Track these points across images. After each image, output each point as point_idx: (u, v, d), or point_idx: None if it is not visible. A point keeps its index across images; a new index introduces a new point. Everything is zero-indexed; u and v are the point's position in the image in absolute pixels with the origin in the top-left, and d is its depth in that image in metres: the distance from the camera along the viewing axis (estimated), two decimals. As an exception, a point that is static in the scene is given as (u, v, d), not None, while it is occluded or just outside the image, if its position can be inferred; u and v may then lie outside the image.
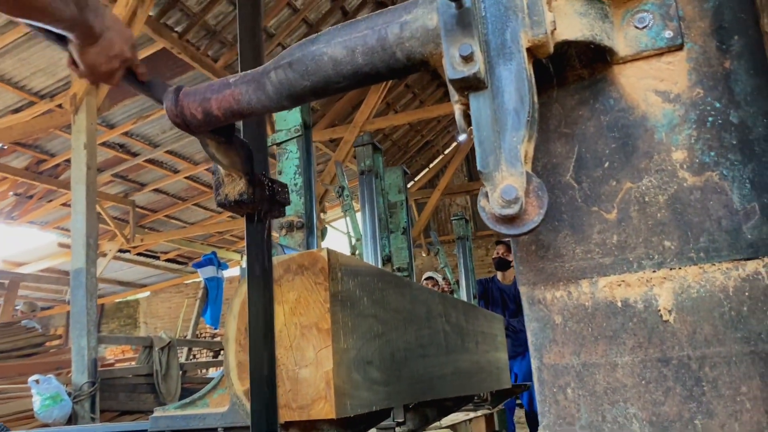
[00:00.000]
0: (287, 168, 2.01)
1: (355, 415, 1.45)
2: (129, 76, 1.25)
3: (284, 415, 1.40)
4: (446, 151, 15.92)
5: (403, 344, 1.83)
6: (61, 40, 1.14)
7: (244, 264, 1.42)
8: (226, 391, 1.69)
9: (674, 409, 0.87)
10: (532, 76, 0.84)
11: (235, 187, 1.27)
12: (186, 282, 17.36)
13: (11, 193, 11.25)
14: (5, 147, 9.57)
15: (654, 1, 0.95)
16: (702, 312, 0.87)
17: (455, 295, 5.72)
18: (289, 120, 2.04)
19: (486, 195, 0.81)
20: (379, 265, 3.47)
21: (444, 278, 7.13)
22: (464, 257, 5.60)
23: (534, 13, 0.85)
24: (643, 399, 0.89)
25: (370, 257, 3.41)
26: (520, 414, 7.33)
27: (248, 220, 1.38)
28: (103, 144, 9.96)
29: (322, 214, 11.94)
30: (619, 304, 0.92)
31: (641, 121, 0.95)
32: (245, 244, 1.39)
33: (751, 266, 0.86)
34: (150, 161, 11.28)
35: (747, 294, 0.86)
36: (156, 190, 12.54)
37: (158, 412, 1.88)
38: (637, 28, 0.96)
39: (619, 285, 0.92)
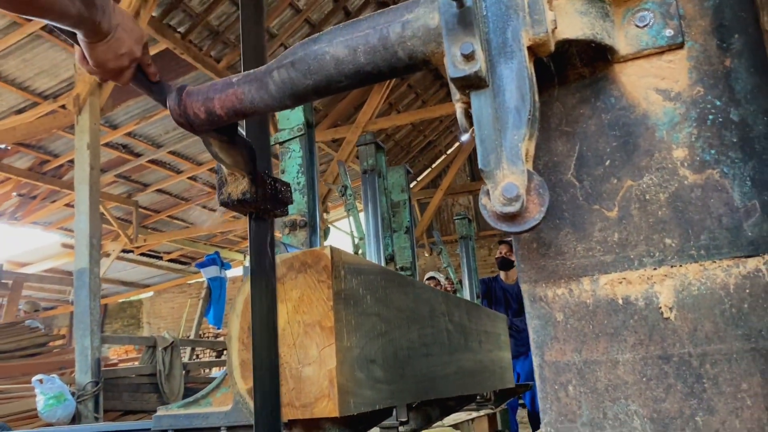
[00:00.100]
0: (290, 167, 2.01)
1: (358, 414, 1.45)
2: (139, 75, 1.24)
3: (287, 414, 1.40)
4: (449, 151, 15.91)
5: (407, 343, 1.84)
6: (73, 35, 1.14)
7: (247, 263, 1.42)
8: (229, 389, 1.70)
9: (675, 406, 0.87)
10: (533, 74, 0.85)
11: (238, 186, 1.28)
12: (189, 282, 17.39)
13: (15, 193, 11.28)
14: (9, 148, 9.60)
15: (654, -1, 0.95)
16: (703, 309, 0.88)
17: (458, 295, 5.72)
18: (291, 119, 2.05)
19: (487, 193, 0.82)
20: (382, 265, 3.48)
21: (447, 278, 7.13)
22: (467, 257, 5.60)
23: (535, 12, 0.85)
24: (644, 396, 0.89)
25: (373, 256, 3.42)
26: (522, 414, 7.33)
27: (251, 219, 1.38)
28: (107, 144, 9.98)
29: (325, 214, 11.94)
30: (620, 301, 0.92)
31: (642, 119, 0.95)
32: (248, 242, 1.40)
33: (752, 264, 0.86)
34: (153, 161, 11.30)
35: (748, 291, 0.86)
36: (159, 191, 12.56)
37: (161, 411, 1.88)
38: (637, 26, 0.96)
39: (620, 282, 0.93)
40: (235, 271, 15.12)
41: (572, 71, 1.00)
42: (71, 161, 8.96)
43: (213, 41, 8.63)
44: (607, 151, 0.97)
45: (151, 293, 18.02)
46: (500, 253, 6.69)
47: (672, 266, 0.90)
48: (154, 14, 7.44)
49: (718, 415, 0.85)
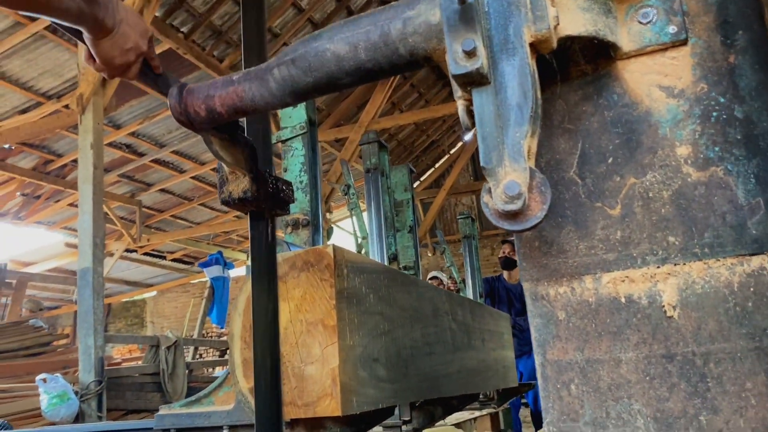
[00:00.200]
0: (292, 165, 2.01)
1: (360, 413, 1.45)
2: (145, 69, 1.23)
3: (290, 413, 1.40)
4: (452, 151, 15.90)
5: (410, 342, 1.83)
6: (78, 33, 1.14)
7: (249, 263, 1.42)
8: (231, 388, 1.69)
9: (679, 405, 0.86)
10: (536, 71, 0.84)
11: (239, 184, 1.28)
12: (192, 282, 17.41)
13: (19, 193, 11.31)
14: (13, 147, 9.62)
15: (658, -4, 0.95)
16: (706, 308, 0.87)
17: (461, 294, 5.71)
18: (294, 117, 2.04)
19: (489, 191, 0.81)
20: (385, 264, 3.47)
21: (450, 277, 7.13)
22: (470, 256, 5.59)
23: (537, 8, 0.84)
24: (648, 395, 0.88)
25: (376, 256, 3.41)
26: (525, 413, 7.32)
27: (252, 218, 1.38)
28: (110, 144, 10.00)
29: (327, 214, 11.95)
30: (623, 300, 0.92)
31: (645, 116, 0.95)
32: (250, 241, 1.39)
33: (756, 262, 0.86)
34: (156, 161, 11.32)
35: (752, 289, 0.85)
36: (162, 190, 12.58)
37: (164, 410, 1.88)
38: (640, 23, 0.95)
39: (623, 281, 0.92)
40: (238, 271, 15.13)
41: (575, 68, 0.99)
42: (75, 161, 8.98)
43: (216, 41, 8.63)
44: (610, 148, 0.96)
45: (154, 293, 18.05)
46: (503, 252, 6.68)
47: (675, 264, 0.89)
48: (157, 14, 7.45)
49: (722, 414, 0.84)
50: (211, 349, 13.72)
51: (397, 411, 2.54)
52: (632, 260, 0.92)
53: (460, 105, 0.87)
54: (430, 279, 7.34)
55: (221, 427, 1.75)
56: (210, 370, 10.40)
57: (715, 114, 0.90)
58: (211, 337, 14.76)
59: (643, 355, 0.89)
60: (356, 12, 9.75)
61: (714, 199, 0.89)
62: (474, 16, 0.83)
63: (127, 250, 13.76)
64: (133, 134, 10.14)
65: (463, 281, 5.82)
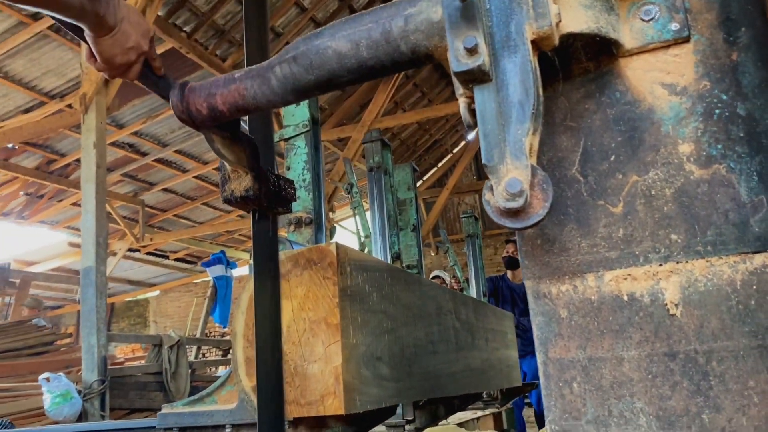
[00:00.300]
0: (295, 164, 2.01)
1: (363, 412, 1.45)
2: (146, 70, 1.23)
3: (292, 411, 1.40)
4: (455, 150, 15.89)
5: (413, 340, 1.83)
6: (79, 30, 1.13)
7: (252, 261, 1.42)
8: (234, 387, 1.69)
9: (681, 403, 0.86)
10: (537, 68, 0.84)
11: (241, 183, 1.28)
12: (195, 281, 17.43)
13: (22, 192, 11.33)
14: (16, 147, 9.64)
15: (660, -7, 0.94)
16: (709, 306, 0.87)
17: (465, 293, 5.71)
18: (297, 115, 2.04)
19: (491, 188, 0.81)
20: (389, 262, 3.46)
21: (453, 276, 7.12)
22: (474, 255, 5.59)
23: (538, 5, 0.84)
24: (650, 393, 0.88)
25: (379, 254, 3.41)
26: (528, 413, 7.31)
27: (254, 217, 1.38)
28: (113, 144, 10.02)
29: (330, 214, 11.95)
30: (626, 298, 0.91)
31: (647, 114, 0.94)
32: (252, 239, 1.39)
33: (759, 259, 0.85)
34: (159, 161, 11.33)
35: (755, 287, 0.85)
36: (165, 190, 12.59)
37: (166, 409, 1.88)
38: (643, 20, 0.95)
39: (626, 279, 0.92)
40: (241, 270, 15.15)
41: (577, 66, 0.99)
42: (78, 160, 9.00)
43: (218, 40, 8.64)
44: (612, 146, 0.96)
45: (157, 292, 18.08)
46: (507, 252, 6.67)
47: (678, 262, 0.89)
48: (159, 13, 7.45)
49: (725, 412, 0.84)
50: (214, 349, 13.73)
51: (400, 410, 2.54)
52: (635, 258, 0.91)
53: (462, 102, 0.86)
54: (433, 278, 7.34)
55: (224, 426, 1.75)
56: (213, 369, 10.41)
57: (717, 111, 0.90)
58: (214, 336, 14.78)
59: (646, 353, 0.89)
60: (359, 11, 9.74)
61: (716, 197, 0.88)
62: (475, 13, 0.83)
63: (130, 250, 13.77)
64: (135, 134, 10.15)
65: (467, 280, 5.81)
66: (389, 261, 3.51)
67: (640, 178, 0.93)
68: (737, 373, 0.84)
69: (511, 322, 4.03)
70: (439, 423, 3.02)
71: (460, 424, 3.63)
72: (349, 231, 14.69)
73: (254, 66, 1.08)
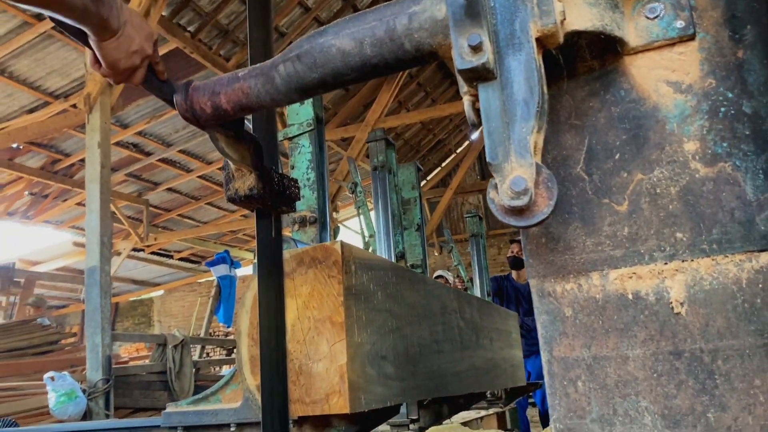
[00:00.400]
0: (300, 162, 2.01)
1: (368, 411, 1.44)
2: (149, 75, 1.22)
3: (297, 410, 1.40)
4: (458, 150, 15.88)
5: (418, 340, 1.83)
6: (82, 35, 1.13)
7: (256, 260, 1.42)
8: (238, 386, 1.69)
9: (686, 402, 0.86)
10: (542, 66, 0.84)
11: (245, 182, 1.28)
12: (199, 281, 17.46)
13: (26, 192, 11.36)
14: (21, 147, 9.66)
15: (665, -10, 0.94)
16: (714, 304, 0.87)
17: (469, 293, 5.70)
18: (301, 114, 2.04)
19: (495, 187, 0.81)
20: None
21: (458, 276, 7.11)
22: (478, 255, 5.58)
23: (543, 2, 0.84)
24: (655, 392, 0.88)
25: (383, 254, 3.40)
26: (533, 413, 7.30)
27: (258, 215, 1.38)
28: (117, 144, 10.03)
29: (334, 213, 11.95)
30: (631, 296, 0.91)
31: (652, 112, 0.94)
32: (256, 238, 1.39)
33: (765, 258, 0.85)
34: (163, 160, 11.35)
35: (760, 286, 0.85)
36: (169, 189, 12.61)
37: (171, 408, 1.88)
38: (648, 18, 0.95)
39: (631, 277, 0.91)
40: (245, 270, 15.16)
41: (581, 64, 0.99)
42: (82, 160, 9.01)
43: (222, 40, 8.65)
44: (617, 144, 0.96)
45: (161, 292, 18.11)
46: (512, 251, 6.66)
47: (683, 261, 0.89)
48: (163, 13, 7.47)
49: (731, 411, 0.84)
50: (218, 348, 13.75)
51: (404, 409, 2.54)
52: (639, 256, 0.91)
53: (466, 100, 0.86)
54: (436, 278, 7.33)
55: (228, 425, 1.75)
56: (217, 368, 10.42)
57: (723, 109, 0.90)
58: (218, 336, 14.81)
59: (651, 352, 0.89)
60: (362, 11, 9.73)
61: (722, 195, 0.88)
62: (480, 11, 0.83)
63: (135, 249, 13.80)
64: (140, 133, 10.17)
65: (471, 280, 5.81)
66: (393, 260, 3.51)
67: (645, 176, 0.93)
68: (743, 372, 0.84)
69: (516, 321, 4.02)
70: (443, 422, 3.02)
71: (464, 424, 3.62)
72: (352, 231, 14.70)
73: (258, 65, 1.08)
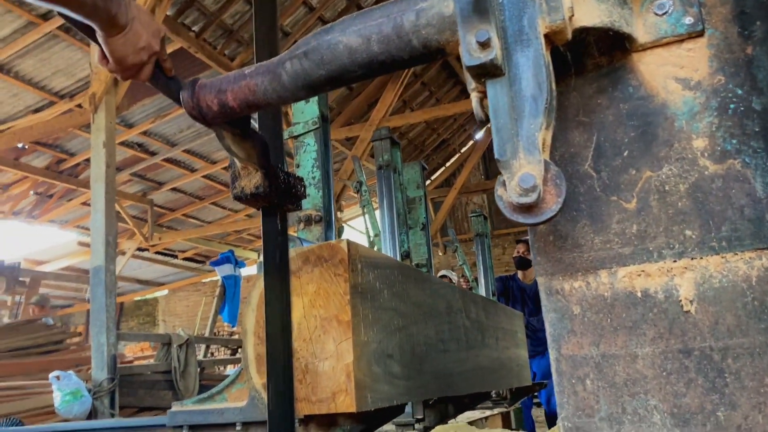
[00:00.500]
0: (305, 161, 2.01)
1: (373, 410, 1.44)
2: (157, 71, 1.22)
3: (303, 409, 1.39)
4: (463, 150, 15.86)
5: (424, 339, 1.82)
6: (90, 31, 1.13)
7: (262, 258, 1.42)
8: (244, 385, 1.69)
9: (696, 400, 0.85)
10: (550, 63, 0.83)
11: (252, 180, 1.28)
12: (204, 280, 17.47)
13: (32, 192, 11.39)
14: (26, 147, 9.69)
15: (674, -13, 0.94)
16: (724, 302, 0.86)
17: (474, 292, 5.69)
18: (306, 112, 2.04)
19: (503, 183, 0.80)
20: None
21: (462, 276, 7.10)
22: (483, 254, 5.57)
23: (551, -1, 0.84)
24: (664, 390, 0.87)
25: (389, 253, 3.40)
26: (537, 413, 7.29)
27: (264, 213, 1.38)
28: (122, 143, 10.05)
29: (338, 213, 11.95)
30: (639, 294, 0.91)
31: (661, 108, 0.94)
32: (262, 237, 1.39)
33: (775, 255, 0.85)
34: (168, 160, 11.36)
35: (770, 284, 0.84)
36: (174, 189, 12.63)
37: (176, 407, 1.88)
38: (656, 14, 0.94)
39: (639, 275, 0.91)
40: (249, 269, 15.17)
41: (589, 60, 0.99)
42: (87, 160, 9.04)
43: (227, 40, 8.66)
44: (626, 141, 0.95)
45: (166, 291, 18.13)
46: (518, 251, 6.64)
47: (692, 258, 0.88)
48: (168, 13, 7.48)
49: (741, 410, 0.83)
50: (223, 348, 13.77)
51: (409, 409, 2.53)
52: (648, 254, 0.91)
53: (474, 97, 0.86)
54: (440, 278, 7.32)
55: (234, 424, 1.75)
56: (221, 368, 10.44)
57: (732, 106, 0.89)
58: (223, 335, 14.82)
59: (660, 350, 0.88)
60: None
61: (731, 192, 0.88)
62: (488, 7, 0.82)
63: (139, 249, 13.82)
64: (144, 133, 10.18)
65: (476, 279, 5.80)
66: (399, 259, 3.50)
67: (653, 173, 0.92)
68: (753, 370, 0.83)
69: (521, 321, 4.02)
70: (449, 422, 3.02)
71: (470, 424, 3.62)
72: (357, 230, 14.70)
73: (265, 62, 1.08)
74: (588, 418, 0.92)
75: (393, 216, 3.44)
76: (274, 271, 1.39)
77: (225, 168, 11.78)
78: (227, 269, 10.51)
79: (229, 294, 10.58)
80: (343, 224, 15.04)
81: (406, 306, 1.73)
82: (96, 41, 1.15)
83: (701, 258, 0.88)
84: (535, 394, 6.18)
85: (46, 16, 7.07)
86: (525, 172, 0.78)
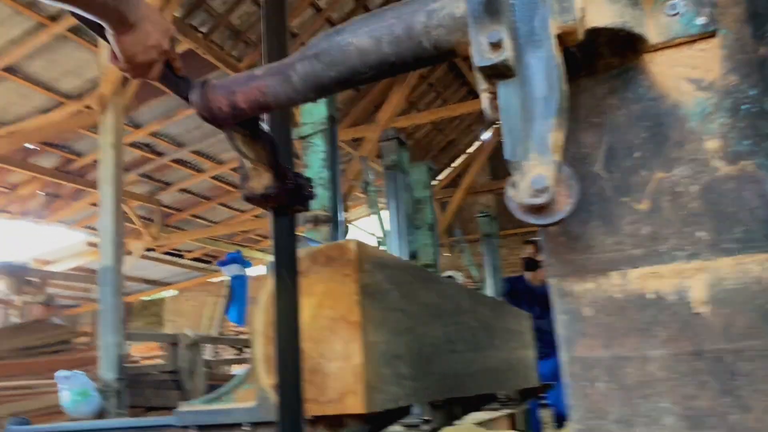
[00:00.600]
0: (313, 161, 2.01)
1: (380, 411, 1.44)
2: (166, 70, 1.23)
3: (312, 410, 1.39)
4: (469, 150, 15.83)
5: (432, 339, 1.82)
6: (100, 30, 1.14)
7: (269, 261, 1.42)
8: (252, 385, 1.69)
9: (708, 403, 0.85)
10: (562, 63, 0.83)
11: (261, 180, 1.28)
12: (211, 280, 17.50)
13: (40, 192, 11.44)
14: (36, 147, 9.73)
15: (686, -13, 0.93)
16: (737, 304, 0.85)
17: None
18: (314, 113, 2.04)
19: (514, 184, 0.80)
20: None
21: (468, 277, 7.10)
22: (490, 255, 5.56)
23: (563, -1, 0.83)
24: (676, 393, 0.87)
25: (396, 253, 3.40)
26: (546, 414, 7.26)
27: (274, 214, 1.38)
28: (130, 144, 10.08)
29: (344, 213, 11.93)
30: (651, 296, 0.90)
31: (673, 109, 0.93)
32: (271, 237, 1.39)
33: (788, 258, 0.84)
34: (176, 161, 11.39)
35: (784, 286, 0.84)
36: (182, 190, 12.66)
37: (184, 407, 1.89)
38: (668, 15, 0.94)
39: (651, 277, 0.90)
40: (256, 270, 15.19)
41: (600, 61, 0.98)
42: (96, 161, 9.07)
43: (234, 41, 8.68)
44: (637, 142, 0.95)
45: (173, 291, 18.17)
46: (526, 253, 6.62)
47: (705, 260, 0.88)
48: (176, 14, 7.50)
49: (753, 412, 0.82)
50: (230, 348, 13.80)
51: (417, 410, 2.53)
52: (660, 256, 0.90)
53: (485, 98, 0.86)
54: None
55: (241, 424, 1.75)
56: (228, 368, 10.45)
57: (745, 107, 0.89)
58: (229, 335, 14.84)
59: (672, 352, 0.88)
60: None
61: (744, 194, 0.87)
62: (499, 7, 0.82)
63: (147, 249, 13.86)
64: (152, 134, 10.21)
65: (483, 280, 5.79)
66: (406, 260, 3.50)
67: (665, 174, 0.92)
68: (766, 373, 0.83)
69: (529, 322, 4.01)
70: (455, 423, 3.01)
71: (476, 425, 3.61)
72: (363, 231, 14.70)
73: (274, 63, 1.08)
74: (599, 421, 0.91)
75: (400, 216, 3.44)
76: (283, 271, 1.39)
77: (233, 169, 11.80)
78: (234, 269, 10.55)
79: (236, 294, 10.61)
80: (348, 224, 15.03)
81: (414, 306, 1.73)
82: (106, 40, 1.16)
83: (714, 260, 0.87)
84: (543, 395, 6.15)
85: (54, 18, 7.11)
86: (537, 173, 0.78)
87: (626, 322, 0.91)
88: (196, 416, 1.83)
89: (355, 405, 1.34)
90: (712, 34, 0.92)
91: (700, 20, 0.92)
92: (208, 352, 9.89)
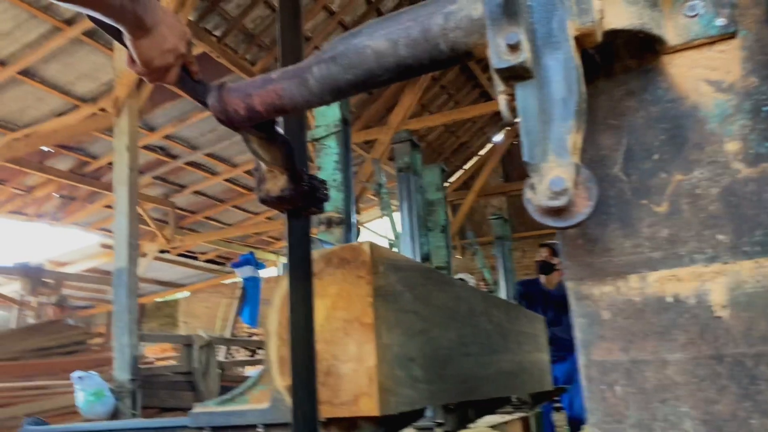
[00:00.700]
0: (326, 164, 2.01)
1: (393, 414, 1.44)
2: (183, 74, 1.24)
3: (325, 411, 1.39)
4: (481, 152, 15.80)
5: (446, 342, 1.82)
6: (117, 34, 1.15)
7: (282, 262, 1.43)
8: (266, 387, 1.69)
9: (728, 407, 0.84)
10: (580, 65, 0.82)
11: (277, 183, 1.28)
12: (224, 282, 17.57)
13: (56, 194, 11.53)
14: (51, 150, 9.82)
15: (705, -12, 0.92)
16: (757, 308, 0.84)
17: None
18: (328, 116, 2.04)
19: (532, 186, 0.80)
20: (417, 265, 3.43)
21: (482, 279, 7.07)
22: (504, 258, 5.54)
23: (581, 1, 0.83)
24: (696, 397, 0.86)
25: (409, 255, 3.40)
26: (558, 418, 7.22)
27: (289, 216, 1.38)
28: (145, 147, 10.14)
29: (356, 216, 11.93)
30: (670, 299, 0.89)
31: (692, 111, 0.92)
32: (286, 239, 1.39)
33: (810, 261, 0.83)
34: (190, 164, 11.45)
35: (805, 289, 0.83)
36: (196, 192, 12.72)
37: (198, 408, 1.89)
38: (687, 16, 0.93)
39: (670, 280, 0.90)
40: (269, 271, 15.23)
41: (618, 63, 0.98)
42: (110, 163, 9.13)
43: (248, 45, 8.71)
44: (656, 144, 0.94)
45: (186, 293, 18.25)
46: (541, 256, 6.59)
47: (725, 263, 0.87)
48: (190, 18, 7.54)
49: (774, 417, 0.81)
50: (243, 349, 13.85)
51: (430, 413, 2.52)
52: (679, 259, 0.89)
53: (502, 99, 0.85)
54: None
55: (255, 426, 1.75)
56: (241, 369, 10.48)
57: (766, 109, 0.88)
58: (242, 337, 14.88)
59: (691, 356, 0.87)
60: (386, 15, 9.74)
61: (765, 196, 0.86)
62: (517, 9, 0.82)
63: (161, 251, 13.93)
64: (167, 137, 10.27)
65: (496, 283, 5.77)
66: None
67: (684, 177, 0.91)
68: (787, 378, 0.82)
69: (543, 324, 3.99)
70: (469, 426, 3.00)
71: (490, 428, 3.59)
72: (375, 233, 14.70)
73: (291, 66, 1.08)
74: (618, 425, 0.91)
75: (413, 218, 3.43)
76: (297, 272, 1.39)
77: (246, 171, 11.84)
78: (248, 271, 10.58)
79: (249, 295, 10.64)
80: (360, 227, 15.01)
81: (427, 309, 1.72)
82: (124, 44, 1.16)
83: (734, 263, 0.86)
84: (556, 398, 6.12)
85: (70, 22, 7.17)
86: (555, 175, 0.77)
87: (645, 326, 0.90)
88: (210, 417, 1.83)
89: (368, 407, 1.33)
90: (731, 36, 0.91)
91: (720, 21, 0.91)
92: (221, 354, 9.93)
